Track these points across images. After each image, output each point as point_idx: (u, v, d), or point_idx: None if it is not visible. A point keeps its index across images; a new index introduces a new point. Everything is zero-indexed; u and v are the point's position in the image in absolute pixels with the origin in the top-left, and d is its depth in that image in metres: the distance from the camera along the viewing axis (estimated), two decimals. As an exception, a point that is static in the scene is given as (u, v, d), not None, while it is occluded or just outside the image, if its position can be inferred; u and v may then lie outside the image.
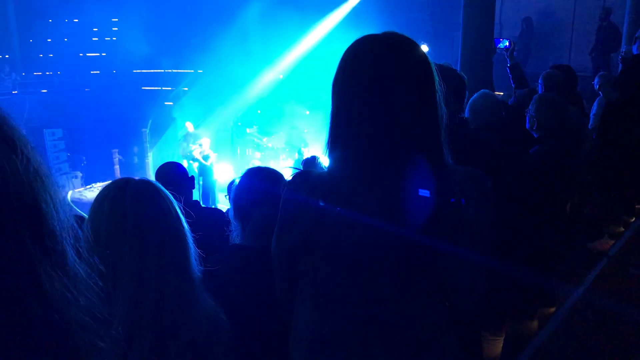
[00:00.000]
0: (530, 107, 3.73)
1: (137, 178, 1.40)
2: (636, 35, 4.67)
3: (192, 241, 1.40)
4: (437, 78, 1.33)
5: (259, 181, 2.08)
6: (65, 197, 0.65)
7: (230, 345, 1.49)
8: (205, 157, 12.24)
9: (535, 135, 3.74)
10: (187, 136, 13.16)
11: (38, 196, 0.58)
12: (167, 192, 1.40)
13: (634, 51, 4.67)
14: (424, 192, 1.30)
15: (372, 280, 1.32)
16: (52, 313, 0.55)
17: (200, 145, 12.52)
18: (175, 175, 3.20)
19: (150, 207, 1.31)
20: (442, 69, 2.54)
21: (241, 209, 2.04)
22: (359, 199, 1.31)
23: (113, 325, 0.67)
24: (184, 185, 3.21)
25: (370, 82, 1.29)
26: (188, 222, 1.42)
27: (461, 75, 2.58)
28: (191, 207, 3.40)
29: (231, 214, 2.13)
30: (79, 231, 0.65)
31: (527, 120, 3.74)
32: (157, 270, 1.26)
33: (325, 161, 1.43)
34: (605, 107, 4.80)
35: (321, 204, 1.33)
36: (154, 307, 1.23)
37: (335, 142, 1.37)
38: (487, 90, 3.64)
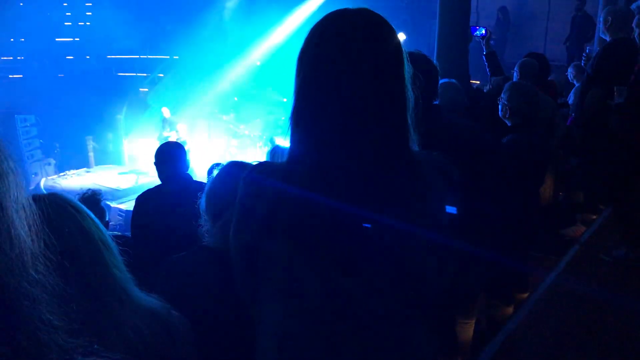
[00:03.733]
0: (502, 95, 3.75)
1: (41, 194, 1.31)
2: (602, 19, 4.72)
3: (113, 246, 1.35)
4: (406, 60, 1.29)
5: (235, 172, 1.94)
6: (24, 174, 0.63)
7: (188, 340, 1.46)
8: (182, 144, 12.16)
9: (508, 124, 3.77)
10: (163, 122, 13.05)
11: None
12: (76, 204, 1.32)
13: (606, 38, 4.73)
14: (389, 177, 1.27)
15: (337, 271, 1.28)
16: None
17: (177, 131, 12.43)
18: (175, 152, 3.69)
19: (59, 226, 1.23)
20: (412, 56, 2.54)
21: (215, 205, 1.94)
22: (320, 185, 1.26)
23: (69, 302, 0.66)
24: (183, 161, 3.67)
25: (338, 58, 1.24)
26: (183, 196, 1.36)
27: (432, 62, 2.58)
28: (185, 179, 3.58)
29: (202, 207, 2.04)
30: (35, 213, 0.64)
31: (500, 109, 3.76)
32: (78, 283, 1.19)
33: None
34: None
35: (276, 192, 1.29)
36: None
37: (297, 122, 1.30)
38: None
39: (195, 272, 1.86)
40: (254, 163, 1.66)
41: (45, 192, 1.37)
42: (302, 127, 1.29)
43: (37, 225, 0.64)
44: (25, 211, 0.62)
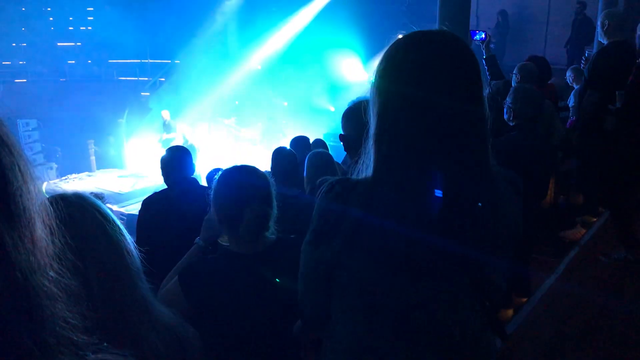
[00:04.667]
0: (507, 98, 3.80)
1: (70, 192, 1.30)
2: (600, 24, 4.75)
3: (136, 256, 1.33)
4: (485, 82, 1.32)
5: (244, 178, 1.97)
6: (38, 178, 0.66)
7: (200, 356, 1.47)
8: (192, 148, 12.18)
9: (511, 125, 3.81)
10: (164, 125, 13.10)
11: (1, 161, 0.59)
12: (103, 209, 1.31)
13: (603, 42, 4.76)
14: (469, 199, 1.30)
15: (415, 286, 1.31)
16: (15, 273, 0.56)
17: (184, 135, 12.46)
18: (181, 157, 3.72)
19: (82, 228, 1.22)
20: None
21: (228, 209, 1.92)
22: (402, 205, 1.28)
23: (84, 302, 0.68)
24: (189, 166, 3.72)
25: (421, 77, 1.25)
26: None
27: None
28: (191, 184, 3.63)
29: (212, 215, 2.03)
30: (53, 211, 0.66)
31: (505, 111, 3.81)
32: (99, 290, 1.19)
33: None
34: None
35: (360, 212, 1.29)
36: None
37: (380, 141, 1.30)
38: None
39: (224, 276, 1.87)
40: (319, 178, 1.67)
41: (89, 195, 1.35)
42: (386, 147, 1.29)
43: (57, 226, 0.66)
44: (46, 212, 0.64)
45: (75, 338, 0.62)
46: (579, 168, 5.78)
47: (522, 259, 4.04)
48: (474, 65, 1.29)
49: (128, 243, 1.31)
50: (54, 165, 16.06)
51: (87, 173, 15.20)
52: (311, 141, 5.65)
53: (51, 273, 0.62)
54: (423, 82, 1.25)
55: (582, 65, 6.15)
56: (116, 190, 12.91)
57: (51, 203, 0.68)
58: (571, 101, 6.86)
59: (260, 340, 1.84)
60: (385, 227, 1.28)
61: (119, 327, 1.21)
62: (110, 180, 13.95)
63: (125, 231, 1.33)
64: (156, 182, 12.80)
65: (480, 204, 1.30)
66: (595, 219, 5.90)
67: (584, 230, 5.61)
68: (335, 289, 1.41)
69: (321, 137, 7.01)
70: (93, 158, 15.72)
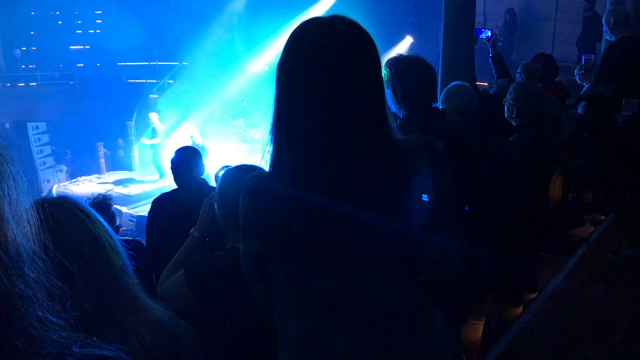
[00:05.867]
0: (507, 95, 3.80)
1: (52, 197, 1.32)
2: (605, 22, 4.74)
3: (123, 252, 1.34)
4: (380, 59, 1.33)
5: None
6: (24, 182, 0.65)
7: (194, 350, 1.47)
8: (203, 149, 12.25)
9: (513, 124, 3.81)
10: (152, 129, 13.34)
11: None
12: (86, 208, 1.32)
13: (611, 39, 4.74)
14: (381, 173, 1.30)
15: (340, 269, 1.32)
16: None
17: (192, 137, 12.56)
18: (191, 157, 3.78)
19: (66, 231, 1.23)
20: (410, 60, 2.53)
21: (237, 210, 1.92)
22: (307, 186, 1.29)
23: (67, 300, 0.68)
24: (199, 167, 3.77)
25: (315, 67, 1.27)
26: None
27: (431, 65, 2.58)
28: (201, 184, 3.65)
29: (208, 208, 2.03)
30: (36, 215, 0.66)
31: (506, 109, 3.81)
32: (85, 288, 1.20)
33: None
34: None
35: (268, 201, 1.33)
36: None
37: (278, 127, 1.32)
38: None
39: (233, 272, 1.84)
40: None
41: (73, 197, 1.37)
42: (284, 133, 1.31)
43: (37, 227, 0.66)
44: (26, 214, 0.64)
45: (56, 336, 0.62)
46: (588, 166, 5.75)
47: (529, 256, 4.05)
48: (369, 50, 1.30)
49: (112, 239, 1.32)
50: (64, 168, 16.20)
51: (96, 175, 15.32)
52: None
53: (29, 273, 0.61)
54: (316, 70, 1.26)
55: (578, 71, 6.14)
56: (125, 192, 13.00)
57: (34, 205, 0.68)
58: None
59: (269, 335, 1.85)
60: (293, 210, 1.30)
61: (104, 322, 1.22)
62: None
63: (109, 228, 1.34)
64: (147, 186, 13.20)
65: (377, 173, 1.29)
66: (603, 217, 5.88)
67: (592, 228, 5.59)
68: (270, 282, 1.42)
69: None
70: (102, 160, 15.83)
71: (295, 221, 1.31)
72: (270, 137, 1.35)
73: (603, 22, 4.79)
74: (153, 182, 13.75)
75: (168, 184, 11.93)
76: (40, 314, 0.61)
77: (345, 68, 1.26)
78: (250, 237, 1.40)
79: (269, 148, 1.36)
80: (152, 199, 3.89)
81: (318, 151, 1.28)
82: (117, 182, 14.30)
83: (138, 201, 12.33)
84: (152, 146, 13.31)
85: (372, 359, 1.32)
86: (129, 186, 13.81)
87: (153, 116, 13.37)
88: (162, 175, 13.53)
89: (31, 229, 0.65)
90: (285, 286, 1.37)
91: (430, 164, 1.34)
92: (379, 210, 1.29)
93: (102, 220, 1.34)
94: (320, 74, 1.26)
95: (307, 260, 1.33)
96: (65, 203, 1.30)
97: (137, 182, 14.23)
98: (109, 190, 12.61)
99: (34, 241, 0.65)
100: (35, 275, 0.62)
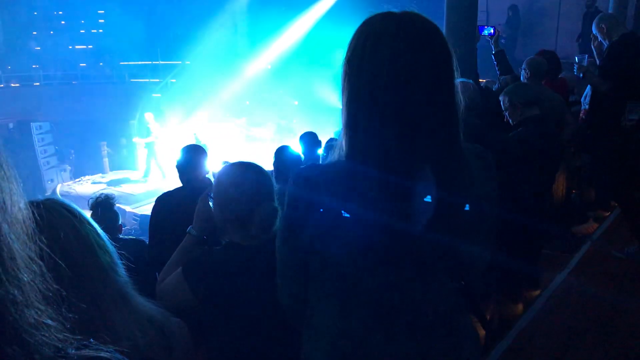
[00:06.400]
0: (500, 97, 3.86)
1: (40, 199, 1.32)
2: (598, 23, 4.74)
3: (112, 250, 1.34)
4: (455, 66, 1.29)
5: (251, 177, 1.93)
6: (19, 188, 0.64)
7: (186, 347, 1.47)
8: (206, 148, 12.24)
9: (511, 123, 3.82)
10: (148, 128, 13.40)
11: None
12: (72, 208, 1.32)
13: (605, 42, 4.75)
14: (447, 177, 1.28)
15: (390, 270, 1.32)
16: None
17: (195, 135, 12.59)
18: (196, 156, 3.78)
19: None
20: None
21: (239, 210, 1.88)
22: (374, 188, 1.26)
23: (61, 301, 0.67)
24: (203, 165, 3.77)
25: (391, 66, 1.22)
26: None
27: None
28: (205, 183, 3.62)
29: (203, 206, 2.04)
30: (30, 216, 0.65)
31: (506, 113, 3.84)
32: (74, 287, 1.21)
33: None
34: (593, 96, 4.88)
35: (330, 198, 1.29)
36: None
37: (350, 125, 1.29)
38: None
39: (232, 268, 1.86)
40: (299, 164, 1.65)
41: (60, 198, 1.37)
42: (355, 131, 1.28)
43: (30, 229, 0.65)
44: (18, 216, 0.63)
45: (50, 339, 0.61)
46: (592, 163, 5.73)
47: (532, 253, 4.04)
48: (443, 48, 1.27)
49: (100, 238, 1.32)
50: (68, 167, 16.26)
51: (100, 174, 15.35)
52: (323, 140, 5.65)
53: (23, 277, 0.61)
54: (392, 74, 1.22)
55: (574, 71, 6.12)
56: (129, 192, 13.02)
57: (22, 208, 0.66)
58: (586, 95, 6.79)
59: (269, 328, 1.85)
60: (358, 214, 1.28)
61: (93, 321, 1.22)
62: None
63: (97, 226, 1.34)
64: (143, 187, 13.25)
65: (457, 194, 1.29)
66: (607, 214, 5.86)
67: (596, 225, 5.57)
68: (310, 277, 1.41)
69: (332, 136, 7.01)
70: (106, 159, 15.86)
71: (361, 223, 1.29)
72: (343, 132, 1.31)
73: (596, 32, 4.78)
74: (137, 182, 13.98)
75: (158, 184, 12.07)
76: (34, 318, 0.60)
77: (421, 68, 1.23)
78: (300, 230, 1.36)
79: (340, 144, 1.33)
80: (155, 198, 3.90)
81: (392, 154, 1.25)
82: (120, 181, 14.32)
83: (142, 200, 12.34)
84: (147, 145, 13.35)
85: (406, 357, 1.34)
86: (121, 186, 13.83)
87: (148, 116, 13.43)
88: (146, 175, 13.80)
89: (26, 232, 0.64)
90: (328, 282, 1.38)
91: (481, 174, 1.36)
92: (440, 222, 1.28)
93: (89, 219, 1.34)
94: (390, 66, 1.22)
95: (361, 259, 1.33)
96: (52, 203, 1.30)
97: (133, 181, 14.25)
98: (112, 188, 12.63)
99: (28, 245, 0.63)
100: (30, 279, 0.62)
